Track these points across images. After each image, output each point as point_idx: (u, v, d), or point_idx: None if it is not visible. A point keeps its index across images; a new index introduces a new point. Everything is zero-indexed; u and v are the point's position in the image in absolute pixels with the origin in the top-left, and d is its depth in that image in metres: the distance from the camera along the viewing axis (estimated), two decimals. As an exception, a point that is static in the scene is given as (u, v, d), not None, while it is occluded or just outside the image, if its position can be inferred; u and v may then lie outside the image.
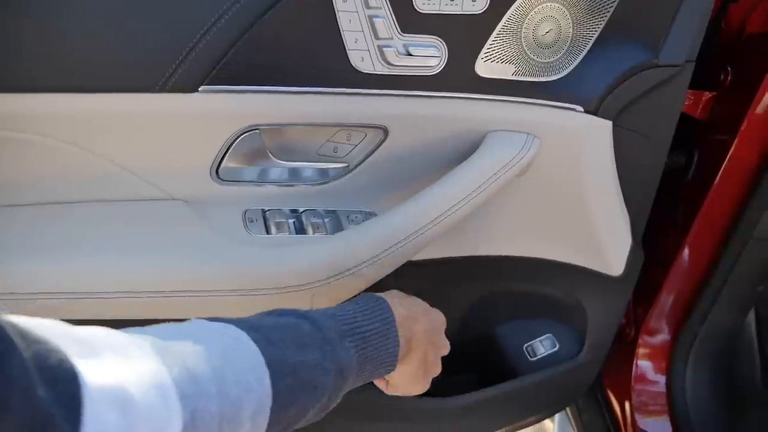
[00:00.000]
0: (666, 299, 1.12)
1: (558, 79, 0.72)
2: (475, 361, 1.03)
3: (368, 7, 0.63)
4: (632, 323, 1.18)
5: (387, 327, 0.56)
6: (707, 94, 0.99)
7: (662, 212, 1.11)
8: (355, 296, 0.59)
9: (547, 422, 1.68)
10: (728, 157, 0.96)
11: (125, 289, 0.64)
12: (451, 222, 0.72)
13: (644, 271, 1.07)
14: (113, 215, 0.68)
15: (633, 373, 1.16)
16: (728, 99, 0.96)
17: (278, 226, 0.72)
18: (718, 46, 0.97)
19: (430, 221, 0.70)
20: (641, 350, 1.15)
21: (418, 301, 0.66)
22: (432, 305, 0.93)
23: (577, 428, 1.30)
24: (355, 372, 0.52)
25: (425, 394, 0.93)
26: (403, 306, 0.61)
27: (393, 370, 0.57)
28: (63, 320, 0.66)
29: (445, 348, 0.69)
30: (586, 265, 0.90)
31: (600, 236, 0.85)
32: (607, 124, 0.75)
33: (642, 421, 1.14)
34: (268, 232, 0.72)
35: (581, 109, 0.73)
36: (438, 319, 0.68)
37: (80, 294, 0.63)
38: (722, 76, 0.97)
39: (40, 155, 0.63)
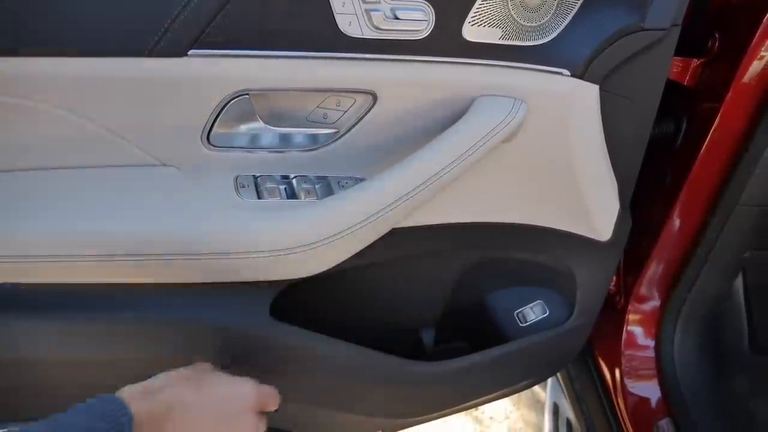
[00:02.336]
0: (655, 266, 1.13)
1: (545, 42, 0.73)
2: (467, 328, 1.05)
3: (355, -30, 0.64)
4: (622, 290, 1.20)
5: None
6: (695, 61, 1.00)
7: (651, 180, 1.12)
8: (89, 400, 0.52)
9: (540, 391, 1.71)
10: (715, 124, 0.97)
11: (118, 252, 0.65)
12: (439, 186, 0.73)
13: (633, 239, 1.08)
14: (104, 181, 0.68)
15: (623, 340, 1.18)
16: (716, 66, 0.97)
17: (270, 191, 0.73)
18: (707, 11, 0.97)
19: (418, 185, 0.71)
20: (631, 317, 1.17)
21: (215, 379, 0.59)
22: (423, 272, 0.94)
23: (569, 396, 1.32)
24: None
25: (417, 358, 0.95)
26: (157, 401, 0.54)
27: None
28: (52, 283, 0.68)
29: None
30: (574, 231, 0.91)
31: (588, 202, 0.86)
32: (593, 88, 0.76)
33: (632, 386, 1.16)
34: (259, 197, 0.73)
35: (568, 73, 0.74)
36: (230, 399, 0.59)
37: (72, 257, 0.64)
38: (710, 43, 0.97)
39: (28, 120, 0.64)
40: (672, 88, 1.03)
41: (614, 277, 1.21)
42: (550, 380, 1.43)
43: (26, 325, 0.71)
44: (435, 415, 1.04)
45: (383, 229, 0.73)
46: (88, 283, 0.70)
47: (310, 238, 0.69)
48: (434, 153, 0.71)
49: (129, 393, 0.54)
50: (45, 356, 0.72)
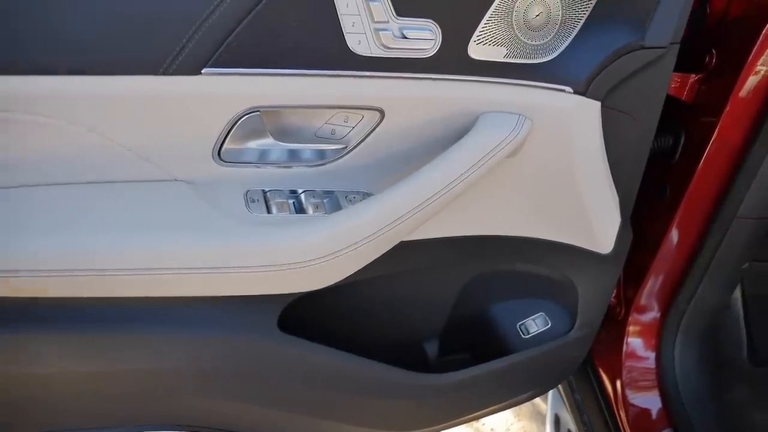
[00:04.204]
0: (655, 278, 1.15)
1: (548, 61, 0.75)
2: (470, 340, 1.06)
3: (364, -9, 0.65)
4: (622, 302, 1.21)
5: None
6: (693, 77, 1.02)
7: (650, 193, 1.14)
8: None
9: (541, 403, 1.72)
10: (713, 138, 0.99)
11: (130, 267, 0.66)
12: (446, 201, 0.74)
13: (633, 251, 1.09)
14: (117, 195, 0.70)
15: (623, 351, 1.19)
16: (713, 81, 0.99)
17: (279, 206, 0.74)
18: (704, 29, 1.00)
19: (425, 200, 0.73)
20: (631, 328, 1.18)
21: None
22: (428, 285, 0.96)
23: (570, 407, 1.33)
24: None
25: (421, 370, 0.96)
26: None
27: None
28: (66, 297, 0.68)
29: None
30: (576, 244, 0.93)
31: (590, 215, 0.88)
32: (595, 105, 0.78)
33: (633, 397, 1.17)
34: (269, 211, 0.74)
35: (571, 90, 0.76)
36: None
37: (84, 272, 0.65)
38: (707, 59, 1.00)
39: (44, 136, 0.65)
40: (670, 103, 1.06)
41: (615, 289, 1.23)
42: (551, 391, 1.44)
43: (38, 340, 0.71)
44: (439, 427, 1.05)
45: (391, 243, 0.75)
46: (98, 297, 0.70)
47: (319, 252, 0.70)
48: (441, 168, 0.73)
49: None
50: (55, 370, 0.73)
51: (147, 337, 0.73)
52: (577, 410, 1.30)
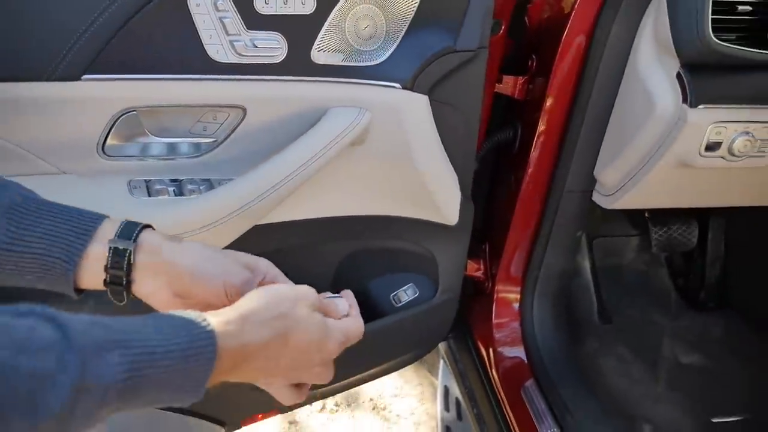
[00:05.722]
0: (511, 253, 1.34)
1: (379, 63, 0.92)
2: (351, 315, 1.20)
3: (217, 9, 0.81)
4: (489, 277, 1.40)
5: (197, 345, 0.47)
6: (521, 79, 1.23)
7: (501, 181, 1.34)
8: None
9: (432, 378, 1.87)
10: (540, 129, 1.20)
11: None
12: (296, 183, 0.88)
13: (493, 233, 1.28)
14: None
15: (493, 318, 1.37)
16: (535, 81, 1.21)
17: (159, 192, 0.87)
18: (524, 38, 1.21)
19: (281, 180, 0.87)
20: (498, 297, 1.37)
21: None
22: (301, 265, 1.09)
23: (455, 376, 1.50)
24: (121, 394, 0.43)
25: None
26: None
27: (198, 398, 0.49)
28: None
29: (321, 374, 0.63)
30: (428, 218, 1.10)
31: (433, 192, 1.05)
32: (423, 98, 0.95)
33: (502, 356, 1.35)
34: (150, 196, 0.87)
35: (399, 86, 0.93)
36: (317, 333, 0.59)
37: None
38: (530, 63, 1.21)
39: None
40: (509, 101, 1.27)
41: (482, 267, 1.41)
42: (441, 367, 1.60)
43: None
44: (324, 390, 1.17)
45: (253, 220, 0.89)
46: None
47: (192, 225, 0.84)
48: (293, 153, 0.88)
49: (221, 329, 0.51)
50: None
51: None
52: (460, 377, 1.46)
